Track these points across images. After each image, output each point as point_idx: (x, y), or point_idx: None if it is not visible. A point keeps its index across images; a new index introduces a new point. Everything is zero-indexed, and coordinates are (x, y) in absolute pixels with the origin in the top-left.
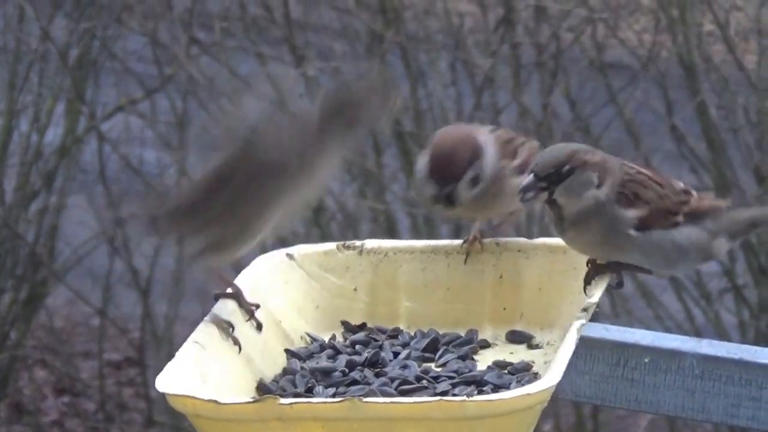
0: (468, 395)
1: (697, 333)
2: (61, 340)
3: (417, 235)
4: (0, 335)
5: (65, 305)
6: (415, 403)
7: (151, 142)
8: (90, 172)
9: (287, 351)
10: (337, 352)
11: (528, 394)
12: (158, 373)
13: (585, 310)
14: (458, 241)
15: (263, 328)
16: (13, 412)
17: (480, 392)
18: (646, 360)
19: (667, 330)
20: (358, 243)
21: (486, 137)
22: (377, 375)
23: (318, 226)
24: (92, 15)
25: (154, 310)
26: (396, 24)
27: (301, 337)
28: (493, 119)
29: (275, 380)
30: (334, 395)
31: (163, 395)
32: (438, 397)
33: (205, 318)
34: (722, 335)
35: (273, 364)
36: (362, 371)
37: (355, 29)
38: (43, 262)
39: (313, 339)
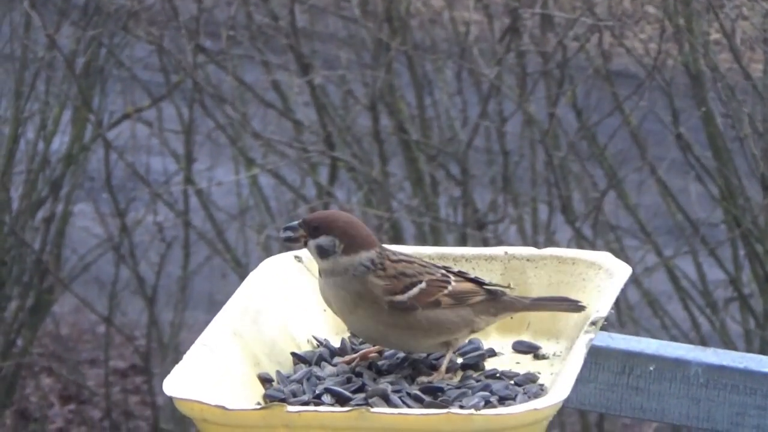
0: (474, 407)
1: (703, 342)
2: (68, 348)
3: (422, 243)
4: (6, 343)
5: (71, 313)
6: (422, 415)
7: (158, 150)
8: (96, 179)
9: (294, 354)
10: (344, 357)
11: (535, 409)
12: (164, 381)
13: (593, 323)
14: (468, 248)
15: (271, 331)
16: (19, 420)
17: (487, 403)
18: (651, 368)
19: (673, 339)
20: None
21: (379, 252)
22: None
23: None
24: (99, 23)
25: (160, 317)
26: (402, 33)
27: (308, 341)
28: (498, 127)
29: (283, 384)
30: (340, 402)
31: (169, 401)
32: (446, 410)
33: (214, 319)
34: (728, 344)
35: (280, 368)
36: (369, 378)
37: (361, 38)
38: (50, 269)
39: (320, 342)
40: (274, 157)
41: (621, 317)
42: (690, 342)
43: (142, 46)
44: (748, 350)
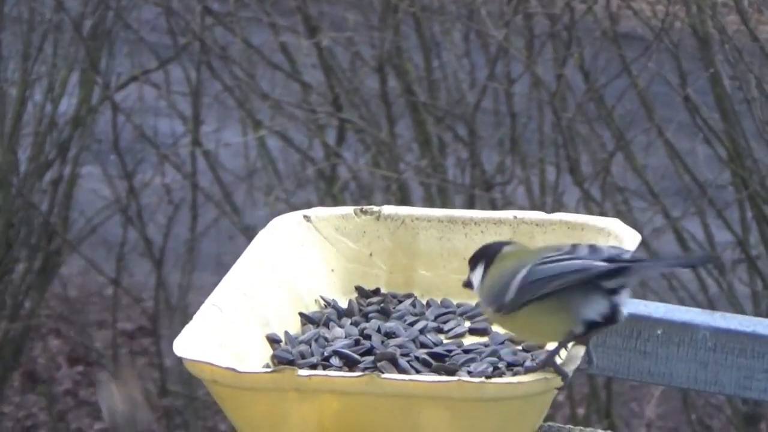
0: (483, 372)
1: (711, 303)
2: (75, 310)
3: (431, 205)
4: (14, 304)
5: (79, 275)
6: (433, 382)
7: (165, 112)
8: (104, 142)
9: (302, 315)
10: (352, 318)
11: (546, 378)
12: (172, 343)
13: None
14: (477, 212)
15: (279, 291)
16: (26, 382)
17: (495, 369)
18: (659, 332)
19: (681, 300)
20: (375, 208)
21: None
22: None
23: (331, 195)
24: None
25: (168, 279)
26: None
27: (316, 301)
28: (506, 89)
29: (291, 345)
30: (348, 365)
31: (177, 363)
32: (456, 378)
33: (223, 279)
34: (735, 306)
35: (288, 328)
36: (377, 341)
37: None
38: (57, 231)
39: (328, 303)
40: (282, 118)
41: None
42: (698, 304)
43: (150, 9)
44: (756, 312)
